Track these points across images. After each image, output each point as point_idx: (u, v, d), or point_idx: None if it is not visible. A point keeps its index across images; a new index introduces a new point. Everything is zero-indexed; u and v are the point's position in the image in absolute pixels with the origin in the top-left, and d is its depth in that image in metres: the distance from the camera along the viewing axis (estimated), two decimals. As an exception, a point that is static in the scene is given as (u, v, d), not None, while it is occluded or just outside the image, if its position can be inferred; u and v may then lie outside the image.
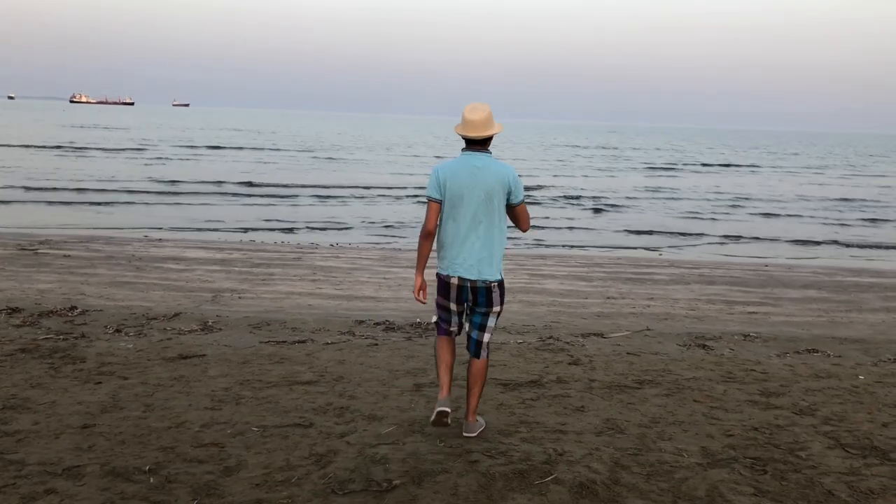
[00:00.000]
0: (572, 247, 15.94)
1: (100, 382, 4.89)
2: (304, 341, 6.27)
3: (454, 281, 4.09)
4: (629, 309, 8.82)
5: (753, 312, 9.01)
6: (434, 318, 4.29)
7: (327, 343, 6.21)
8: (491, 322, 4.20)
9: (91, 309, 7.32)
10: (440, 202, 4.10)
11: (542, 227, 18.06)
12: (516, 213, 4.20)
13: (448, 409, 4.06)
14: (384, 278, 10.49)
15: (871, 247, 17.53)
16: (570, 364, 5.71)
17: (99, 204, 19.51)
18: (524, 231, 4.37)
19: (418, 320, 7.27)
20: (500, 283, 4.15)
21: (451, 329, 4.24)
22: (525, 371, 5.46)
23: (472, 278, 4.06)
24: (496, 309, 4.18)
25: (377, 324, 7.10)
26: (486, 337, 4.20)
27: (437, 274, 4.19)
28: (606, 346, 6.48)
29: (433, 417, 4.08)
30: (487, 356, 4.22)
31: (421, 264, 4.19)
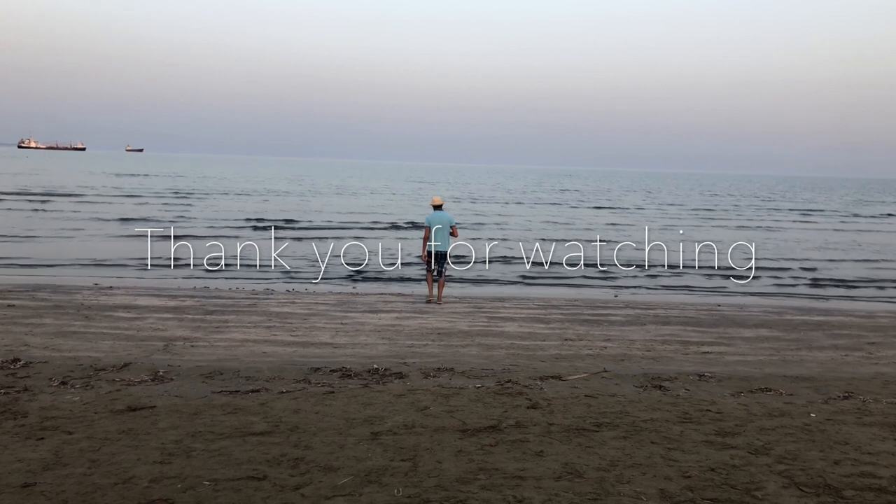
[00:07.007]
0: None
1: (42, 438, 4.70)
2: (258, 390, 6.13)
3: (434, 252, 12.70)
4: (587, 351, 8.87)
5: (708, 352, 9.14)
6: (425, 268, 13.20)
7: (282, 392, 6.08)
8: (446, 267, 12.93)
9: (35, 361, 7.07)
10: (429, 227, 12.74)
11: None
12: (453, 230, 12.88)
13: (435, 294, 12.75)
14: (341, 324, 10.38)
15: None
16: (528, 408, 5.68)
17: None
18: (455, 237, 12.97)
19: (375, 366, 7.19)
20: (448, 253, 12.90)
21: (432, 271, 12.80)
22: (484, 416, 5.42)
23: (440, 251, 12.72)
24: (448, 263, 13.05)
25: (333, 371, 6.99)
26: (444, 271, 12.88)
27: (427, 251, 12.71)
28: (564, 388, 6.49)
29: (426, 300, 12.83)
30: (444, 277, 12.94)
31: (424, 247, 12.81)
